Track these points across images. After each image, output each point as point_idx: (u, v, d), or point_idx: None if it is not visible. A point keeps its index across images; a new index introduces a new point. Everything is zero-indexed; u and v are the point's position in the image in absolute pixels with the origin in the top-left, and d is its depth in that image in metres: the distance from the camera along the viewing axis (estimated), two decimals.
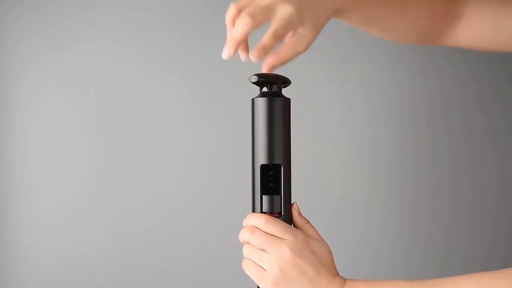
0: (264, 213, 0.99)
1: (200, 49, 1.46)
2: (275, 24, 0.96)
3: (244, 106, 1.04)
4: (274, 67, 1.01)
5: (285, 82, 1.01)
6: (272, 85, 0.99)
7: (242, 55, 0.99)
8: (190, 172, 1.46)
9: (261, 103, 0.99)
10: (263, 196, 0.99)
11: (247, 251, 0.98)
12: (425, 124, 1.49)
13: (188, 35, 1.45)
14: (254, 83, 0.99)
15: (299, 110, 1.23)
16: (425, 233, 1.50)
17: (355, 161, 1.49)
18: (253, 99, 1.00)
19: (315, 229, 1.01)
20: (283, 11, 0.97)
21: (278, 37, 0.96)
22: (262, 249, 0.97)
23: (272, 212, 0.99)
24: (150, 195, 1.45)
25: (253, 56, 0.96)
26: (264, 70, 1.00)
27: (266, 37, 0.96)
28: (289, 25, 0.97)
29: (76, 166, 1.44)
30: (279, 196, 1.00)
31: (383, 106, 1.49)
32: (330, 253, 1.00)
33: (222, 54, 0.98)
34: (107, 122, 1.44)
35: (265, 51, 0.96)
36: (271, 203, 1.00)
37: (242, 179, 1.13)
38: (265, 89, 1.00)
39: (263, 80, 0.99)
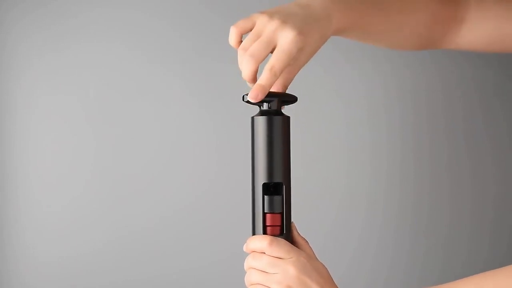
0: (266, 213, 1.00)
1: (201, 48, 1.45)
2: (273, 58, 0.96)
3: (246, 106, 1.04)
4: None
5: (282, 99, 1.01)
6: (270, 103, 0.99)
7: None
8: (192, 172, 1.46)
9: (261, 121, 0.99)
10: (265, 196, 1.00)
11: (252, 276, 0.99)
12: (426, 126, 1.49)
13: (189, 35, 1.45)
14: (247, 102, 0.99)
15: (299, 112, 1.24)
16: (425, 235, 1.50)
17: (356, 161, 1.49)
18: (252, 117, 1.00)
19: (312, 249, 1.02)
20: (284, 42, 0.96)
21: (276, 73, 0.96)
22: (267, 272, 0.98)
23: (273, 212, 1.00)
24: (152, 195, 1.45)
25: (251, 97, 0.97)
26: None
27: (264, 75, 0.96)
28: (289, 57, 0.97)
29: (77, 166, 1.44)
30: (280, 196, 1.00)
31: (384, 108, 1.49)
32: (328, 271, 1.00)
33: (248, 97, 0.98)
34: (107, 122, 1.44)
35: (265, 91, 0.96)
36: (271, 203, 1.00)
37: (244, 180, 1.13)
38: (264, 107, 1.00)
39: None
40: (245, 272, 1.01)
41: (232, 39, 1.01)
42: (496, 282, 0.94)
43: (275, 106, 0.99)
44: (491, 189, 1.51)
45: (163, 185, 1.46)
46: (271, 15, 0.98)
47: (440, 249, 1.50)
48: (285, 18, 0.97)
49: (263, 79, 0.96)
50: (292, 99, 1.02)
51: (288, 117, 1.00)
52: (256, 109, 1.01)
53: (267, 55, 0.97)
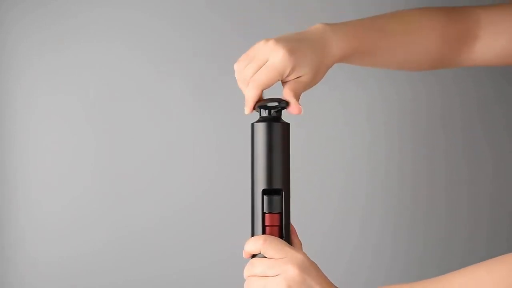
0: (265, 213, 1.00)
1: (201, 49, 1.45)
2: (258, 72, 0.99)
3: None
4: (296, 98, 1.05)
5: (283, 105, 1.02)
6: (271, 110, 1.00)
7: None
8: (192, 172, 1.46)
9: (261, 128, 0.99)
10: (264, 196, 1.00)
11: (253, 283, 0.99)
12: (424, 129, 1.49)
13: (189, 35, 1.45)
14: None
15: (297, 117, 1.24)
16: (424, 235, 1.50)
17: (354, 163, 1.49)
18: (252, 124, 1.00)
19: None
20: (274, 58, 0.99)
21: (258, 86, 0.99)
22: (266, 276, 0.98)
23: (272, 212, 1.00)
24: (152, 195, 1.46)
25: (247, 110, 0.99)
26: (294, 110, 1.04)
27: (248, 90, 0.99)
28: (274, 72, 1.00)
29: (77, 166, 1.44)
30: (280, 196, 1.00)
31: (383, 111, 1.49)
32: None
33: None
34: (107, 122, 1.44)
35: (248, 104, 1.00)
36: (270, 203, 1.00)
37: (244, 180, 1.13)
38: (264, 113, 1.00)
39: (258, 105, 0.99)
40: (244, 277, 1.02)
41: (237, 76, 1.04)
42: (489, 269, 0.95)
43: (275, 113, 0.99)
44: (490, 191, 1.51)
45: (163, 185, 1.46)
46: (267, 39, 1.01)
47: (438, 251, 1.50)
48: (278, 39, 1.01)
49: (246, 91, 1.00)
50: (284, 106, 1.02)
51: (288, 124, 1.00)
52: (256, 115, 1.02)
53: None
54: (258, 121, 1.00)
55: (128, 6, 1.43)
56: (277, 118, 0.99)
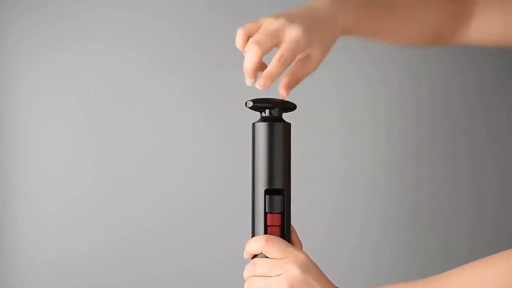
0: (267, 213, 1.00)
1: (201, 48, 1.45)
2: (282, 48, 0.98)
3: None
4: (290, 87, 1.03)
5: (283, 106, 1.01)
6: (271, 110, 0.99)
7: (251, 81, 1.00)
8: (192, 172, 1.46)
9: (262, 128, 0.99)
10: (266, 196, 1.00)
11: (254, 283, 0.98)
12: (426, 127, 1.50)
13: (189, 35, 1.45)
14: (250, 108, 0.99)
15: (299, 110, 1.24)
16: (424, 235, 1.50)
17: (355, 163, 1.49)
18: (253, 124, 1.00)
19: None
20: (291, 34, 0.98)
21: (285, 62, 0.97)
22: (268, 276, 0.97)
23: (273, 212, 1.00)
24: (152, 195, 1.46)
25: (259, 84, 0.97)
26: (280, 92, 1.03)
27: (273, 63, 0.97)
28: (297, 48, 0.98)
29: (77, 166, 1.44)
30: (281, 196, 1.00)
31: (384, 106, 1.49)
32: None
33: (246, 81, 0.99)
34: (107, 122, 1.44)
35: (272, 78, 0.97)
36: (271, 203, 1.00)
37: (244, 180, 1.13)
38: (265, 113, 1.00)
39: (260, 105, 0.99)
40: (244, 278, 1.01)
41: (239, 40, 1.02)
42: (490, 265, 0.95)
43: (276, 113, 0.99)
44: (491, 190, 1.51)
45: (163, 185, 1.46)
46: (277, 16, 1.01)
47: (439, 252, 1.50)
48: (291, 18, 1.00)
49: (271, 67, 0.98)
50: (292, 107, 1.02)
51: (289, 124, 1.00)
52: (257, 114, 1.01)
53: (272, 46, 0.98)
54: (259, 121, 1.00)
55: (128, 6, 1.43)
56: (279, 118, 0.99)
